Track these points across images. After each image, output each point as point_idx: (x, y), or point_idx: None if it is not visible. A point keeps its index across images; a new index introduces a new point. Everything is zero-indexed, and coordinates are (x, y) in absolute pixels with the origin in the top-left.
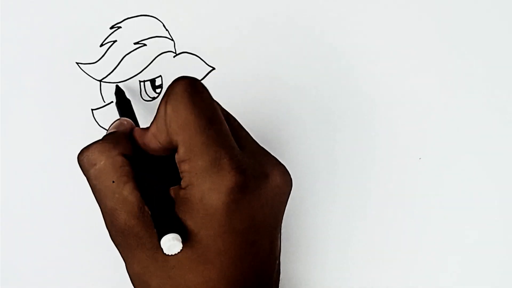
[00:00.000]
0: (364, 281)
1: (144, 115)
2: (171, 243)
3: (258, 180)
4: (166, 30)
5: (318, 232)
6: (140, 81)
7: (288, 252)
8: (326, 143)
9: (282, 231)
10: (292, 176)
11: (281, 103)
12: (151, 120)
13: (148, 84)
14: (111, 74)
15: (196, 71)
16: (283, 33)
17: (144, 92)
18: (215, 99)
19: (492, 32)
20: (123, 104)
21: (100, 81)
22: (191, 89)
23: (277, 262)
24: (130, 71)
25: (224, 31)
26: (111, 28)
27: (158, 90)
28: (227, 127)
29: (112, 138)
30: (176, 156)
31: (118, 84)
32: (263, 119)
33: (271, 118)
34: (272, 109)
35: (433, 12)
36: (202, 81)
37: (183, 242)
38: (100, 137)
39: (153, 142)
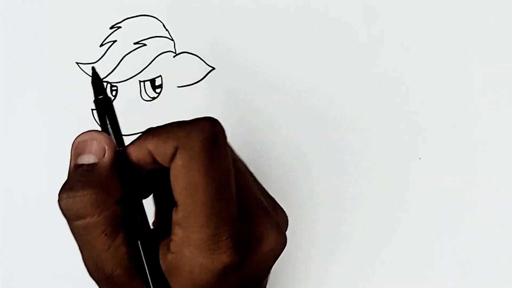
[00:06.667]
0: (363, 280)
1: (144, 116)
2: None
3: (250, 249)
4: (166, 30)
5: (317, 230)
6: (140, 81)
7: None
8: (326, 143)
9: None
10: (290, 176)
11: (281, 103)
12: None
13: (148, 84)
14: (111, 74)
15: (196, 71)
16: (283, 33)
17: (144, 92)
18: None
19: (492, 32)
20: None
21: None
22: (210, 144)
23: None
24: (130, 71)
25: (224, 31)
26: (111, 28)
27: (158, 90)
28: (234, 189)
29: (103, 183)
30: (173, 213)
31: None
32: (263, 119)
33: (271, 118)
34: (272, 109)
35: (433, 12)
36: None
37: None
38: None
39: (148, 158)
